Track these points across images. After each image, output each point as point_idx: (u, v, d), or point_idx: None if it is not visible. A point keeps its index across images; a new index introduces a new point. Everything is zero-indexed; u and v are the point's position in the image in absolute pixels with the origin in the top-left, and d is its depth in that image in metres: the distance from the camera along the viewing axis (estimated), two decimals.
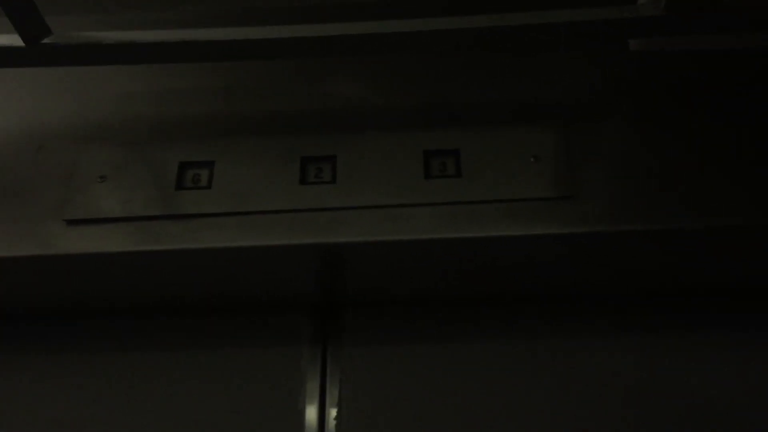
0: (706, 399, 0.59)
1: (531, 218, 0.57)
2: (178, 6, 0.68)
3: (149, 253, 0.58)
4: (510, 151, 0.59)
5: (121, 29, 0.57)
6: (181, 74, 0.66)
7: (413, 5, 0.61)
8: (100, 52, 0.56)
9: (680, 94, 0.62)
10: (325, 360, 0.63)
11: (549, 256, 0.59)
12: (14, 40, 0.55)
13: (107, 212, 0.58)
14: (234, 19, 0.64)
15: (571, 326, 0.63)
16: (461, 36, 0.57)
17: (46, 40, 0.56)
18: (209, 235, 0.57)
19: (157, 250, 0.57)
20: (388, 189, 0.59)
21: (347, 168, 0.60)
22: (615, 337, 0.62)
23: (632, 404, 0.59)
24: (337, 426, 0.59)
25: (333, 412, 0.60)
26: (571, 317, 0.63)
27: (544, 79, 0.64)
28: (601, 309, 0.63)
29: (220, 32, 0.56)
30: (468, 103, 0.63)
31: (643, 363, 0.61)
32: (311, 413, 0.60)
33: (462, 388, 0.61)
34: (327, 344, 0.63)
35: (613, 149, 0.60)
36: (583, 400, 0.60)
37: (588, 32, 0.56)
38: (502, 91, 0.63)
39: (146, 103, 0.65)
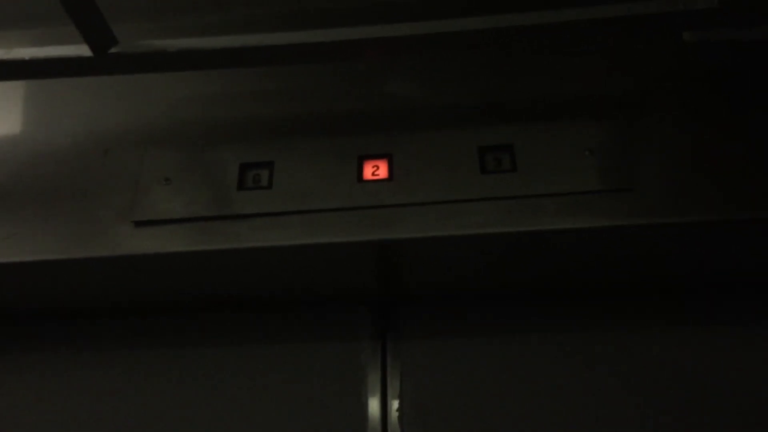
0: None
1: (587, 211, 0.58)
2: (234, 8, 0.69)
3: (214, 253, 0.59)
4: (564, 144, 0.60)
5: (183, 35, 0.59)
6: (239, 77, 0.68)
7: (461, 4, 0.62)
8: (165, 59, 0.58)
9: (734, 85, 0.62)
10: (385, 354, 0.64)
11: (605, 248, 0.60)
12: (83, 50, 0.58)
13: (173, 213, 0.60)
14: (291, 22, 0.65)
15: (628, 318, 0.63)
16: (513, 33, 0.57)
17: (113, 50, 0.58)
18: (271, 234, 0.59)
19: (221, 249, 0.59)
20: (444, 185, 0.60)
21: (404, 166, 0.61)
22: (672, 329, 0.63)
23: (700, 397, 0.59)
24: (400, 418, 0.61)
25: (395, 405, 0.61)
26: (628, 309, 0.64)
27: (597, 73, 0.64)
28: (660, 300, 0.64)
29: (279, 37, 0.57)
30: (521, 99, 0.64)
31: (705, 352, 0.61)
32: (373, 406, 0.61)
33: (520, 381, 0.62)
34: (386, 338, 0.65)
35: (667, 141, 0.60)
36: (645, 393, 0.60)
37: (642, 25, 0.56)
38: (554, 86, 0.64)
39: (206, 106, 0.66)
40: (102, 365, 0.66)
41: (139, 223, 0.60)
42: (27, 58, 0.58)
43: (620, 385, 0.61)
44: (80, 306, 0.67)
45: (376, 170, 0.61)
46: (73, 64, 0.59)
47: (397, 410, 0.61)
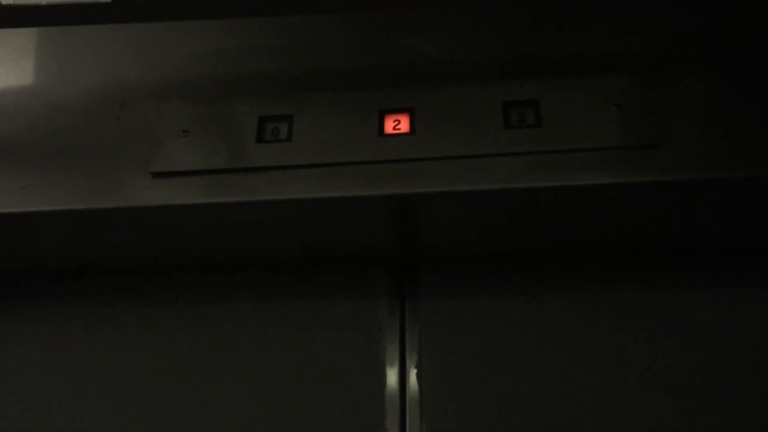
0: None
1: (613, 167, 0.56)
2: None
3: (231, 204, 0.59)
4: (591, 100, 0.59)
5: None
6: (258, 31, 0.66)
7: None
8: (184, 7, 0.57)
9: (763, 42, 0.61)
10: (404, 313, 0.63)
11: (632, 205, 0.59)
12: None
13: (191, 165, 0.59)
14: None
15: (654, 278, 0.62)
16: None
17: None
18: (290, 187, 0.58)
19: (239, 201, 0.58)
20: (467, 140, 0.58)
21: (425, 120, 0.60)
22: (700, 288, 0.62)
23: (727, 358, 0.59)
24: (418, 376, 0.60)
25: (413, 364, 0.60)
26: (655, 269, 0.63)
27: (625, 28, 0.63)
28: (689, 260, 0.63)
29: None
30: (546, 55, 0.62)
31: (736, 315, 0.60)
32: (392, 365, 0.61)
33: (538, 341, 0.61)
34: (405, 298, 0.64)
35: (695, 97, 0.59)
36: (667, 353, 0.59)
37: None
38: (581, 41, 0.63)
39: (224, 60, 0.65)
40: (116, 322, 0.65)
41: (157, 175, 0.59)
42: (44, 2, 0.57)
43: (637, 344, 0.60)
44: (95, 262, 0.67)
45: (397, 124, 0.60)
46: (90, 11, 0.58)
47: (416, 367, 0.60)
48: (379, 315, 0.63)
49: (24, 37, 0.68)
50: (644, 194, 0.57)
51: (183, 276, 0.66)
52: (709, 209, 0.60)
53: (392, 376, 0.60)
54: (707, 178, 0.56)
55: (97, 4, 0.57)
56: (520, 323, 0.62)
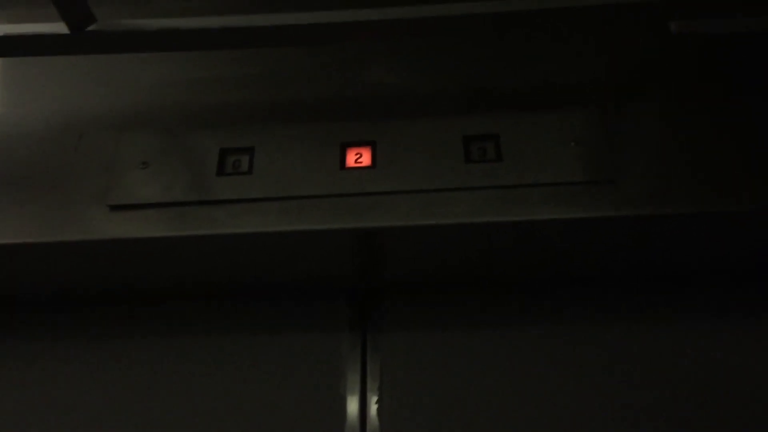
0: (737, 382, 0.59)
1: (571, 202, 0.57)
2: None
3: (191, 238, 0.58)
4: (550, 135, 0.60)
5: (164, 17, 0.58)
6: (220, 62, 0.66)
7: None
8: (145, 39, 0.57)
9: (720, 77, 0.62)
10: (365, 345, 0.63)
11: (589, 239, 0.59)
12: (60, 27, 0.56)
13: (150, 198, 0.59)
14: (276, 4, 0.64)
15: (610, 309, 0.63)
16: (498, 20, 0.57)
17: (90, 28, 0.56)
18: (250, 220, 0.58)
19: (198, 234, 0.58)
20: (428, 173, 0.59)
21: (387, 153, 0.60)
22: (654, 320, 0.62)
23: (667, 387, 0.59)
24: (379, 410, 0.59)
25: (374, 397, 0.60)
26: (611, 300, 0.63)
27: (584, 63, 0.64)
28: (643, 292, 0.63)
29: (262, 18, 0.57)
30: (506, 88, 0.63)
31: (681, 345, 0.61)
32: (352, 398, 0.60)
33: (502, 374, 0.61)
34: (367, 329, 0.64)
35: (653, 133, 0.60)
36: (626, 383, 0.59)
37: (629, 14, 0.56)
38: (540, 75, 0.64)
39: (186, 90, 0.65)
40: (73, 354, 0.64)
41: (114, 207, 0.59)
42: (1, 34, 0.56)
43: (603, 377, 0.60)
44: (51, 293, 0.65)
45: (359, 157, 0.60)
46: (49, 42, 0.57)
47: (377, 403, 0.60)
48: (341, 347, 0.63)
49: None
50: (601, 229, 0.58)
51: (141, 308, 0.65)
52: (665, 243, 0.61)
53: (353, 410, 0.60)
54: (663, 214, 0.57)
55: (56, 35, 0.57)
56: (483, 355, 0.62)
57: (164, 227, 0.58)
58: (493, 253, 0.61)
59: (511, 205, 0.57)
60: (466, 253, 0.61)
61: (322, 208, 0.58)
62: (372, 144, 0.60)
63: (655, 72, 0.64)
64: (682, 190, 0.57)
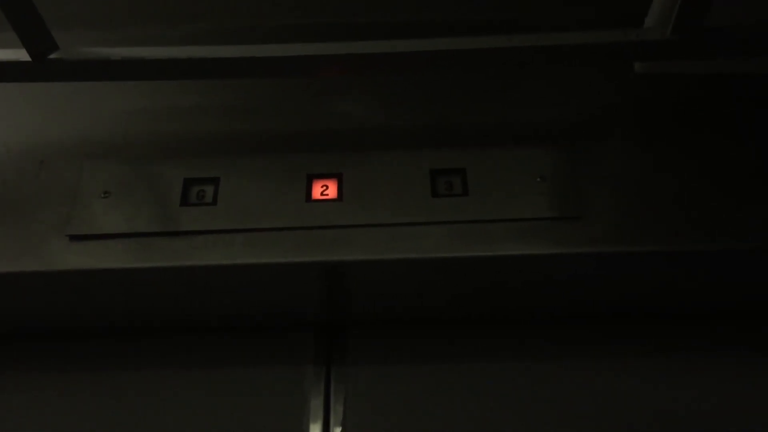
0: (714, 422, 0.59)
1: (537, 238, 0.57)
2: (185, 23, 0.68)
3: (153, 270, 0.57)
4: (516, 170, 0.60)
5: (128, 45, 0.57)
6: (185, 91, 0.66)
7: (422, 26, 0.61)
8: (108, 68, 0.56)
9: (686, 115, 0.63)
10: (329, 380, 0.62)
11: (555, 275, 0.59)
12: (21, 55, 0.55)
13: (111, 228, 0.58)
14: (242, 36, 0.63)
15: (576, 346, 0.63)
16: (468, 56, 0.57)
17: (53, 56, 0.56)
18: (213, 252, 0.57)
19: (161, 266, 0.57)
20: (395, 207, 0.58)
21: (354, 186, 0.60)
22: (620, 357, 0.62)
23: (643, 425, 0.59)
24: None
25: (337, 430, 0.59)
26: (577, 337, 0.63)
27: (551, 100, 0.64)
28: (608, 329, 0.63)
29: (227, 50, 0.56)
30: (474, 123, 0.63)
31: (650, 383, 0.61)
32: (315, 430, 0.59)
33: (467, 409, 0.60)
34: (331, 364, 0.63)
35: (618, 169, 0.60)
36: (590, 421, 0.59)
37: (594, 55, 0.57)
38: (507, 111, 0.64)
39: (150, 120, 0.64)
40: (28, 388, 0.62)
41: (74, 238, 0.58)
42: None
43: (566, 412, 0.60)
44: (11, 326, 0.64)
45: (325, 190, 0.60)
46: (10, 69, 0.56)
47: None
48: (305, 380, 0.62)
49: None
50: (566, 265, 0.58)
51: (102, 340, 0.64)
52: (629, 280, 0.61)
53: None
54: (628, 251, 0.57)
55: (17, 62, 0.56)
56: (446, 390, 0.61)
57: (126, 258, 0.57)
58: (458, 289, 0.61)
59: (476, 240, 0.57)
60: (432, 288, 0.61)
61: (287, 241, 0.57)
62: (338, 176, 0.60)
63: (622, 110, 0.64)
64: (648, 227, 0.57)
